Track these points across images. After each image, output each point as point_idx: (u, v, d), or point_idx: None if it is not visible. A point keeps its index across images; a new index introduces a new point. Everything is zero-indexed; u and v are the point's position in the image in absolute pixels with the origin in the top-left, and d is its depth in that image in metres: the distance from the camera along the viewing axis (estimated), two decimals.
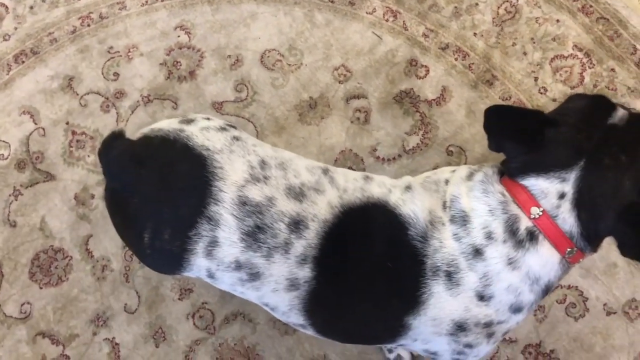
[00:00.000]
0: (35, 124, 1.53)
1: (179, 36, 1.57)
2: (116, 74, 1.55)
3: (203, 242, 0.91)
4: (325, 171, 1.00)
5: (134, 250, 1.00)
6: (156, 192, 0.91)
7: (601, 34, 1.48)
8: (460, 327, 0.90)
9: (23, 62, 1.57)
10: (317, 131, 1.48)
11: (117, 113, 1.52)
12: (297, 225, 0.91)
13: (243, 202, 0.90)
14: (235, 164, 0.93)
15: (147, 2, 1.60)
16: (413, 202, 0.94)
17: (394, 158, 1.45)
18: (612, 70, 1.46)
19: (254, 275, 0.92)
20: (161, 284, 1.41)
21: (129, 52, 1.56)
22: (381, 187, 0.99)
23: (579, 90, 1.46)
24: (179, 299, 1.40)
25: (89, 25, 1.59)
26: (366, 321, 0.94)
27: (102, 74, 1.56)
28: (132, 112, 1.52)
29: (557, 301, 1.34)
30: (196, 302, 1.39)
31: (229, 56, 1.55)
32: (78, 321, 1.40)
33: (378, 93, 1.50)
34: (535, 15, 1.51)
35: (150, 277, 1.41)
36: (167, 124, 0.99)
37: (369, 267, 0.91)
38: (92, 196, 1.47)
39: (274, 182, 0.93)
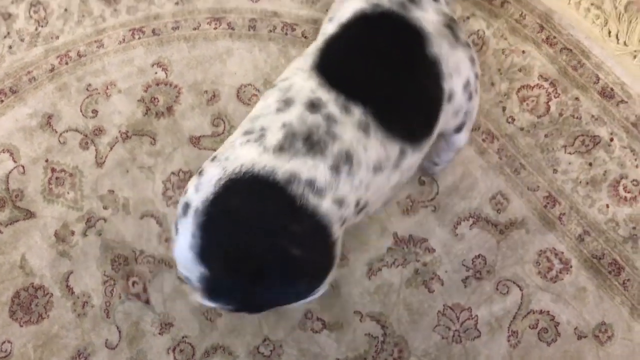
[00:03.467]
0: (15, 162, 1.56)
1: (156, 73, 1.61)
2: (95, 111, 1.59)
3: None
4: None
5: None
6: None
7: (565, 64, 1.55)
8: None
9: (2, 101, 1.61)
10: None
11: (95, 150, 1.56)
12: None
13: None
14: None
15: (124, 40, 1.64)
16: None
17: None
18: (577, 99, 1.52)
19: None
20: (142, 319, 1.43)
21: (107, 89, 1.60)
22: None
23: (546, 119, 1.51)
24: (159, 333, 1.42)
25: (67, 64, 1.63)
26: None
27: (81, 111, 1.59)
28: (111, 148, 1.56)
29: (529, 326, 1.38)
30: (176, 336, 1.42)
31: (206, 91, 1.59)
32: (59, 359, 1.42)
33: None
34: (501, 47, 1.57)
35: (130, 312, 1.43)
36: None
37: None
38: (72, 232, 1.50)
39: None
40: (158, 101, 1.59)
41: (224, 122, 1.57)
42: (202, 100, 1.59)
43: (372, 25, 1.03)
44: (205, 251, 0.91)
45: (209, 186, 0.91)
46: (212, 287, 0.94)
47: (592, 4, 1.59)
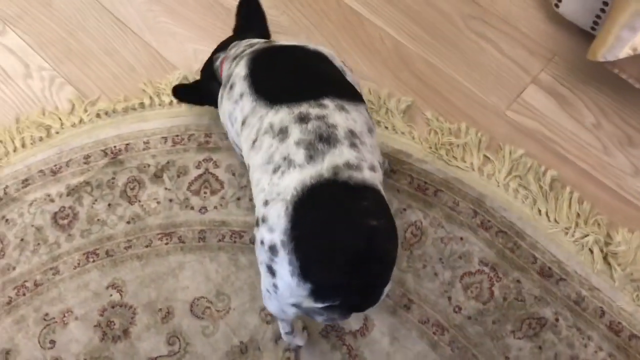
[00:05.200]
0: None
1: (111, 295, 1.67)
2: (52, 342, 1.63)
3: None
4: None
5: None
6: None
7: (502, 247, 1.63)
8: None
9: None
10: None
11: None
12: None
13: None
14: None
15: (79, 264, 1.72)
16: None
17: None
18: (518, 281, 1.59)
19: None
20: None
21: (64, 317, 1.65)
22: None
23: (491, 305, 1.57)
24: None
25: (24, 295, 1.69)
26: None
27: (39, 343, 1.63)
28: None
29: None
30: None
31: (160, 309, 1.65)
32: None
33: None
34: (439, 236, 1.67)
35: None
36: None
37: None
38: None
39: None
40: (114, 324, 1.64)
41: (179, 340, 1.61)
42: (157, 318, 1.64)
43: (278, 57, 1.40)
44: (307, 268, 1.06)
45: (280, 220, 1.07)
46: (328, 292, 1.10)
47: (519, 185, 1.71)
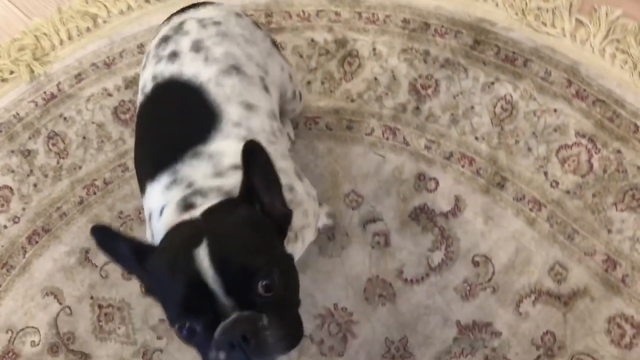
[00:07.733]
0: (60, 304, 1.59)
1: None
2: None
3: None
4: None
5: None
6: None
7: (600, 117, 1.55)
8: None
9: (37, 242, 1.64)
10: (340, 262, 1.54)
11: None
12: None
13: None
14: None
15: None
16: None
17: (422, 277, 1.51)
18: (619, 151, 1.52)
19: None
20: None
21: (140, 213, 1.63)
22: None
23: (590, 178, 1.51)
24: None
25: (95, 194, 1.66)
26: None
27: None
28: None
29: None
30: None
31: None
32: None
33: (393, 213, 1.56)
34: (532, 109, 1.58)
35: None
36: None
37: None
38: None
39: None
40: None
41: None
42: None
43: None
44: None
45: None
46: None
47: (617, 49, 1.60)
